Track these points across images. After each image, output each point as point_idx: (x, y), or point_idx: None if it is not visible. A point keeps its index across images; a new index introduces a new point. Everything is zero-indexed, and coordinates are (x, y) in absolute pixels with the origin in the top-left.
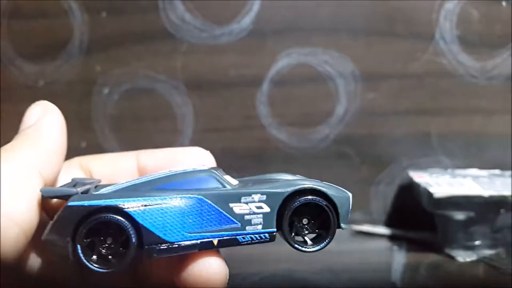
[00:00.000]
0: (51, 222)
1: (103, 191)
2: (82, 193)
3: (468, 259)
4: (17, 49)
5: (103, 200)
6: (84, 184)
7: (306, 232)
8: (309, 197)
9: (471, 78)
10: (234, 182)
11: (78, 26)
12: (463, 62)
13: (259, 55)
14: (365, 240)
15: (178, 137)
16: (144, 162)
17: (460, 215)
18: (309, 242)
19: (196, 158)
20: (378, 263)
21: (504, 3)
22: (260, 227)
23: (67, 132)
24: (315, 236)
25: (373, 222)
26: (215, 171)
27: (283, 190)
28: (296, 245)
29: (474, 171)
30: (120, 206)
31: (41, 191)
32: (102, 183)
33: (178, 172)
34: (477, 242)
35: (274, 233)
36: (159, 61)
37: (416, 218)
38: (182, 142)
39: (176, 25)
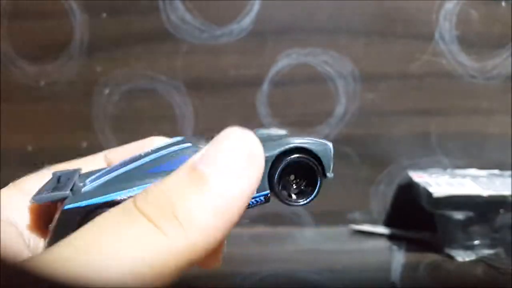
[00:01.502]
0: (51, 229)
1: (94, 184)
2: (71, 190)
3: (467, 259)
4: (18, 49)
5: (100, 197)
6: (68, 177)
7: (295, 187)
8: (294, 155)
9: (470, 78)
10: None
11: (79, 26)
12: (463, 62)
13: (259, 55)
14: (364, 240)
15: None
16: (111, 158)
17: (459, 215)
18: (294, 196)
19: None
20: (378, 263)
21: (503, 3)
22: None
23: (67, 132)
24: (304, 190)
25: (373, 221)
26: (197, 144)
27: (269, 154)
28: (287, 202)
29: (473, 171)
30: (119, 199)
31: (33, 199)
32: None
33: (165, 152)
34: (476, 242)
35: (268, 195)
36: (160, 62)
37: (415, 218)
38: None
39: (177, 26)
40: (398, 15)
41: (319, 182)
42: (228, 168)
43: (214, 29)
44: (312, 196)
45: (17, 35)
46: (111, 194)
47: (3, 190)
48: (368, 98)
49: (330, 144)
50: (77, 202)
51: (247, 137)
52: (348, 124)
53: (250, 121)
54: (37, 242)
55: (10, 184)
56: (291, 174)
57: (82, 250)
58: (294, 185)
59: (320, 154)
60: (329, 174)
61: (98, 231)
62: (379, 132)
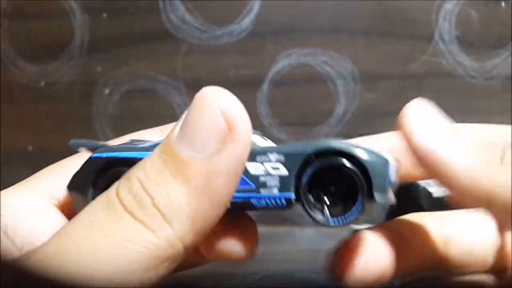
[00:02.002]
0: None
1: (133, 144)
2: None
3: None
4: (18, 49)
5: (123, 153)
6: (139, 142)
7: (328, 203)
8: (334, 159)
9: (470, 79)
10: (262, 142)
11: (79, 26)
12: (462, 62)
13: (259, 56)
14: None
15: None
16: None
17: None
18: (325, 213)
19: None
20: None
21: (503, 4)
22: (275, 190)
23: (67, 133)
24: (342, 208)
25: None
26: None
27: (302, 150)
28: (312, 216)
29: None
30: (136, 159)
31: (70, 143)
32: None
33: None
34: None
35: (292, 199)
36: (160, 62)
37: None
38: None
39: (177, 26)
40: (398, 15)
41: (360, 204)
42: (206, 145)
43: (214, 29)
44: (347, 219)
45: (17, 35)
46: (134, 153)
47: (7, 190)
48: (368, 98)
49: (390, 159)
50: (102, 152)
51: (223, 101)
52: (348, 124)
53: (250, 121)
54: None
55: (22, 182)
56: (330, 184)
57: (71, 249)
58: (329, 198)
59: (369, 167)
60: (379, 197)
61: (84, 229)
62: (379, 132)
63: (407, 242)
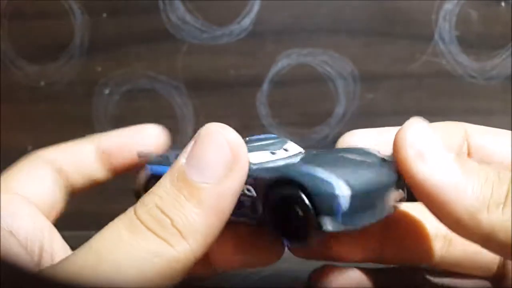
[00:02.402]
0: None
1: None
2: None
3: None
4: (18, 49)
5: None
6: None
7: (282, 229)
8: (285, 188)
9: (470, 79)
10: (296, 149)
11: (79, 26)
12: (462, 62)
13: (259, 56)
14: None
15: (178, 137)
16: (105, 144)
17: None
18: (283, 238)
19: (153, 135)
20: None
21: (503, 4)
22: (248, 211)
23: (68, 133)
24: (296, 234)
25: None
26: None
27: (267, 176)
28: (274, 236)
29: None
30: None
31: (137, 153)
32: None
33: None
34: None
35: (254, 219)
36: (160, 62)
37: None
38: (182, 142)
39: (177, 26)
40: (398, 15)
41: (309, 233)
42: (215, 172)
43: (214, 29)
44: (301, 244)
45: (18, 35)
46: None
47: (3, 196)
48: (368, 98)
49: (336, 190)
50: (150, 163)
51: (228, 135)
52: (348, 124)
53: (250, 121)
54: (33, 249)
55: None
56: (292, 209)
57: (102, 260)
58: (290, 222)
59: (315, 195)
60: (326, 226)
61: (111, 244)
62: None
63: (400, 238)
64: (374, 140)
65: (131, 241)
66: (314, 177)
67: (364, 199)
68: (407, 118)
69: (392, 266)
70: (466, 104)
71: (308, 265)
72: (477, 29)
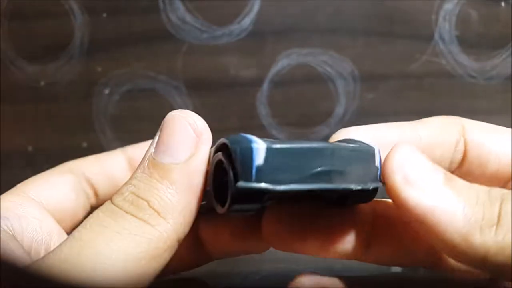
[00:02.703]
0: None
1: None
2: None
3: None
4: (18, 49)
5: None
6: None
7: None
8: (216, 157)
9: (470, 79)
10: None
11: (79, 26)
12: (462, 62)
13: (259, 56)
14: None
15: None
16: (135, 153)
17: None
18: (216, 204)
19: None
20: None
21: (503, 4)
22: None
23: (68, 133)
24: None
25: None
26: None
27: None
28: (215, 208)
29: None
30: None
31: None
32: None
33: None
34: None
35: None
36: (160, 62)
37: None
38: None
39: (177, 26)
40: (398, 15)
41: (231, 195)
42: (182, 152)
43: (214, 29)
44: (230, 208)
45: (17, 35)
46: None
47: (3, 196)
48: (368, 98)
49: (254, 145)
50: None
51: (188, 117)
52: (348, 124)
53: (250, 121)
54: (39, 252)
55: (13, 188)
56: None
57: (86, 247)
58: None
59: (233, 151)
60: (240, 182)
61: (95, 231)
62: None
63: (397, 235)
64: (369, 136)
65: (112, 226)
66: (242, 139)
67: (286, 156)
68: (407, 118)
69: (376, 274)
70: (466, 104)
71: (308, 265)
72: (477, 29)
